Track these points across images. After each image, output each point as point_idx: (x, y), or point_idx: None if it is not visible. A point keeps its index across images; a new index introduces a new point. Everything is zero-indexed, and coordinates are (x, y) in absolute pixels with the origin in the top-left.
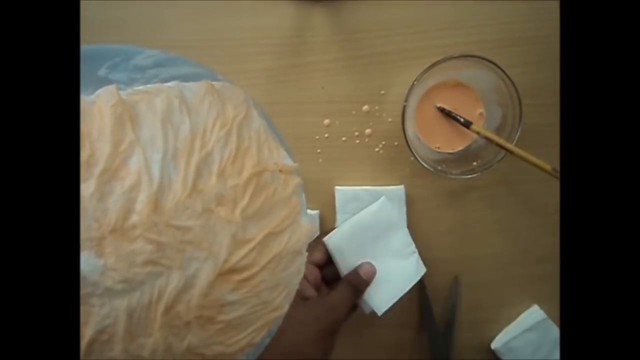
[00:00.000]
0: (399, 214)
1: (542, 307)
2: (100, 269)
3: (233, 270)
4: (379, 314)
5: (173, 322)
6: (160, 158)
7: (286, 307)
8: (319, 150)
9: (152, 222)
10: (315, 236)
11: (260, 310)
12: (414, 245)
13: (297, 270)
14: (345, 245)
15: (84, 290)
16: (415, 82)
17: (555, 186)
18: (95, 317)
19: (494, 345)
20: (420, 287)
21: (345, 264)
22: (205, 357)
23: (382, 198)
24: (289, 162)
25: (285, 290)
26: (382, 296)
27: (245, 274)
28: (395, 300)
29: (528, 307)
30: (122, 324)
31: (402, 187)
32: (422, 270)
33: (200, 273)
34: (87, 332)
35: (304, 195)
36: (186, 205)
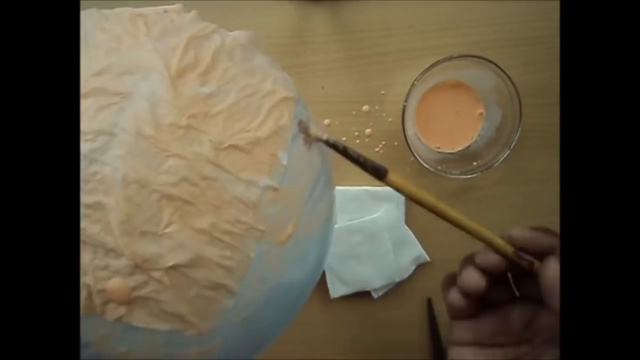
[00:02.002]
0: (398, 218)
1: None
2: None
3: (184, 70)
4: (331, 296)
5: (176, 134)
6: None
7: (284, 90)
8: None
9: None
10: (257, 37)
11: (251, 93)
12: (391, 262)
13: (268, 63)
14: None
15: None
16: (415, 82)
17: (555, 186)
18: (109, 179)
19: None
20: (429, 308)
21: (327, 261)
22: (238, 145)
23: (382, 210)
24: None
25: (266, 76)
26: (341, 288)
27: (200, 69)
28: (349, 292)
29: None
30: (135, 165)
31: None
32: (382, 284)
33: (155, 86)
34: (118, 195)
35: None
36: (89, 57)
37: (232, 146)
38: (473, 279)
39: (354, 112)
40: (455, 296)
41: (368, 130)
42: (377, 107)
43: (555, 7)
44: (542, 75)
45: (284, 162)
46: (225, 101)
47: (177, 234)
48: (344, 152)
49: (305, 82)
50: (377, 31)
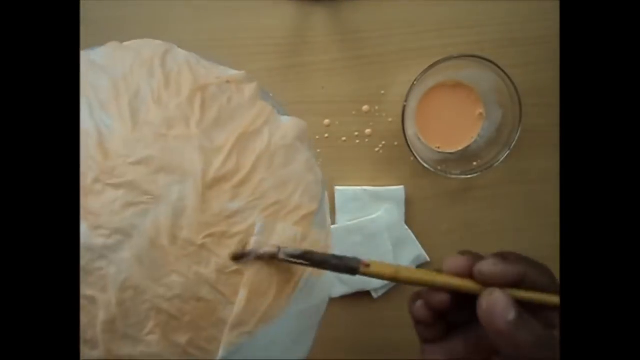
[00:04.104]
0: (398, 218)
1: None
2: (87, 231)
3: (220, 180)
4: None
5: (188, 251)
6: (88, 113)
7: (308, 204)
8: (319, 150)
9: (110, 168)
10: (304, 129)
11: (277, 210)
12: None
13: (304, 166)
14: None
15: (84, 259)
16: (415, 82)
17: (555, 186)
18: (110, 278)
19: None
20: None
21: None
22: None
23: (382, 209)
24: (234, 73)
25: (297, 186)
26: (341, 288)
27: (236, 179)
28: (349, 292)
29: None
30: (138, 272)
31: (401, 187)
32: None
33: (185, 194)
34: (112, 297)
35: (277, 106)
36: (136, 139)
37: (237, 271)
38: (438, 294)
39: (354, 112)
40: (419, 307)
41: (368, 130)
42: (377, 107)
43: (555, 7)
44: (542, 75)
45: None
46: (248, 221)
47: (154, 344)
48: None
49: (305, 82)
50: (377, 31)
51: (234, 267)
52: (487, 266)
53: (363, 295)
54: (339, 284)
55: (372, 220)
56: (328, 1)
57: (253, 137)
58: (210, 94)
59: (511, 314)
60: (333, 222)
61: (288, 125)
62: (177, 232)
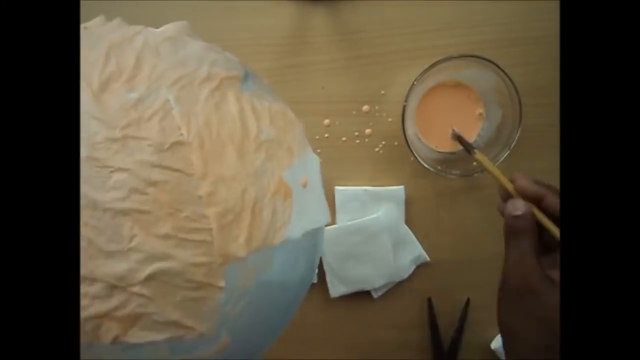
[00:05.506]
0: (398, 218)
1: None
2: None
3: (107, 82)
4: (331, 296)
5: (113, 148)
6: None
7: (224, 72)
8: (319, 150)
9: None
10: (187, 27)
11: (186, 83)
12: (391, 262)
13: (202, 48)
14: (332, 244)
15: None
16: (415, 82)
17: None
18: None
19: (494, 345)
20: (429, 308)
21: (327, 261)
22: (181, 141)
23: (382, 210)
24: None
25: (201, 62)
26: (341, 288)
27: (124, 76)
28: (348, 292)
29: None
30: (82, 191)
31: (401, 187)
32: (381, 283)
33: (81, 108)
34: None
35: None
36: None
37: (175, 143)
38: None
39: (354, 112)
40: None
41: (368, 130)
42: (377, 107)
43: (555, 7)
44: (542, 75)
45: None
46: (158, 101)
47: (142, 245)
48: None
49: (305, 82)
50: (377, 31)
51: (172, 140)
52: (519, 180)
53: (363, 295)
54: (338, 284)
55: (372, 220)
56: (328, 1)
57: (126, 43)
58: None
59: (518, 212)
60: (333, 222)
61: (165, 26)
62: (92, 139)
